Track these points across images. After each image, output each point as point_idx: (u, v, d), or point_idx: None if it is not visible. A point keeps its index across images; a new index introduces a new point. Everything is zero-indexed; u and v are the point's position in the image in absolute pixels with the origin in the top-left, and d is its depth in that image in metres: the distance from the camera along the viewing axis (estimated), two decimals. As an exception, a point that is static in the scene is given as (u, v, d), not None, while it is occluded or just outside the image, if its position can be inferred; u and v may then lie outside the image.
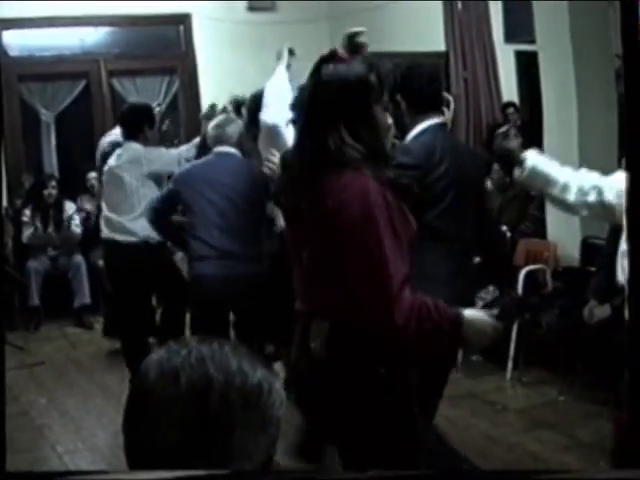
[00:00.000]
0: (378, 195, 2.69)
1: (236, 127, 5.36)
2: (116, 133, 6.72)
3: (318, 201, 2.75)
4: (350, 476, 1.63)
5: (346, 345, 2.80)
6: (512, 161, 3.50)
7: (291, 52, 5.56)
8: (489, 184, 7.95)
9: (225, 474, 1.43)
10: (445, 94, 4.81)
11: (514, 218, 7.52)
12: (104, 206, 6.27)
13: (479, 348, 2.78)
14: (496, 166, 8.17)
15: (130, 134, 6.12)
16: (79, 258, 8.79)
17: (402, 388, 2.95)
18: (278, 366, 4.86)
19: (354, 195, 2.68)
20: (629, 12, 2.42)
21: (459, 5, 11.16)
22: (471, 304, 3.95)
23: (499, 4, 11.00)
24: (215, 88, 9.61)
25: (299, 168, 2.87)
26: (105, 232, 6.17)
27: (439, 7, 11.17)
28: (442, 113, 4.29)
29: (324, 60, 2.85)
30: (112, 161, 6.16)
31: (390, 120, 2.94)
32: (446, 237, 3.96)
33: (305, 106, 2.91)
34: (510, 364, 6.31)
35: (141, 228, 5.89)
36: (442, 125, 4.21)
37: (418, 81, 4.23)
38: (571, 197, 3.49)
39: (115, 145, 6.45)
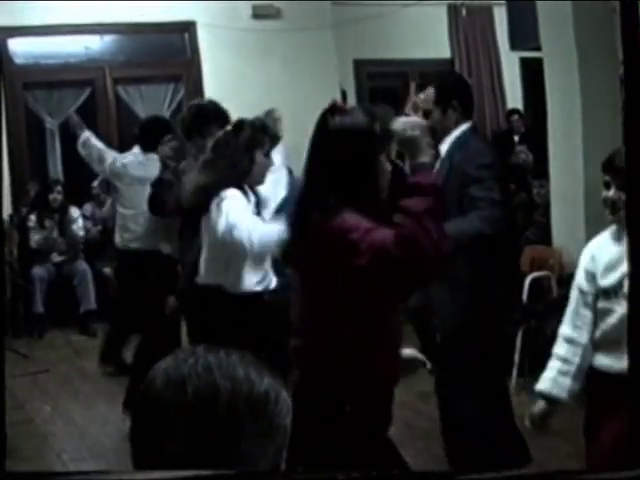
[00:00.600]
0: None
1: None
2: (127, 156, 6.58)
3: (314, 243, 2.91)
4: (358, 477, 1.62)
5: (314, 383, 2.93)
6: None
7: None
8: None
9: (229, 474, 1.42)
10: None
11: (520, 225, 7.52)
12: (121, 214, 6.26)
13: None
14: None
15: (150, 147, 6.11)
16: (84, 265, 8.80)
17: (372, 421, 3.04)
18: None
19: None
20: (629, 12, 2.42)
21: (464, 12, 11.18)
22: None
23: (504, 11, 11.01)
24: (220, 96, 9.63)
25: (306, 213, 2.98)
26: (121, 241, 6.18)
27: (444, 14, 11.20)
28: None
29: (328, 112, 2.94)
30: (133, 170, 6.16)
31: (390, 168, 3.05)
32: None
33: (311, 155, 3.00)
34: (515, 371, 6.30)
35: (158, 239, 5.95)
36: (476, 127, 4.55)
37: (468, 85, 4.55)
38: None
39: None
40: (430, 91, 4.38)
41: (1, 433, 2.50)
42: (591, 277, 3.51)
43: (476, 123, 4.85)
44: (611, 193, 3.35)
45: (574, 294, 3.61)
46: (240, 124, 4.38)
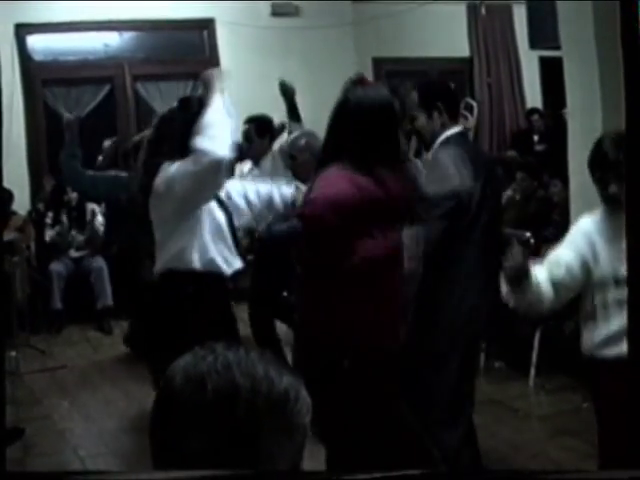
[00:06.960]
0: None
1: None
2: None
3: None
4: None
5: (311, 342, 3.05)
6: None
7: None
8: (513, 192, 7.95)
9: (241, 474, 1.42)
10: (469, 100, 4.95)
11: (538, 224, 7.49)
12: None
13: None
14: (519, 175, 8.16)
15: None
16: (100, 262, 8.79)
17: (373, 380, 3.10)
18: None
19: None
20: (629, 12, 2.41)
21: (483, 11, 11.16)
22: None
23: (523, 10, 10.98)
24: (238, 94, 9.63)
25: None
26: None
27: (463, 13, 11.17)
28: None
29: (353, 83, 3.03)
30: None
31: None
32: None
33: (332, 123, 3.06)
34: (533, 371, 6.29)
35: None
36: (465, 133, 4.43)
37: (451, 89, 4.45)
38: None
39: None
40: (413, 95, 4.32)
41: (1, 433, 2.51)
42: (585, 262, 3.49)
43: (465, 130, 4.76)
44: (613, 189, 3.32)
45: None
46: (187, 101, 4.12)
